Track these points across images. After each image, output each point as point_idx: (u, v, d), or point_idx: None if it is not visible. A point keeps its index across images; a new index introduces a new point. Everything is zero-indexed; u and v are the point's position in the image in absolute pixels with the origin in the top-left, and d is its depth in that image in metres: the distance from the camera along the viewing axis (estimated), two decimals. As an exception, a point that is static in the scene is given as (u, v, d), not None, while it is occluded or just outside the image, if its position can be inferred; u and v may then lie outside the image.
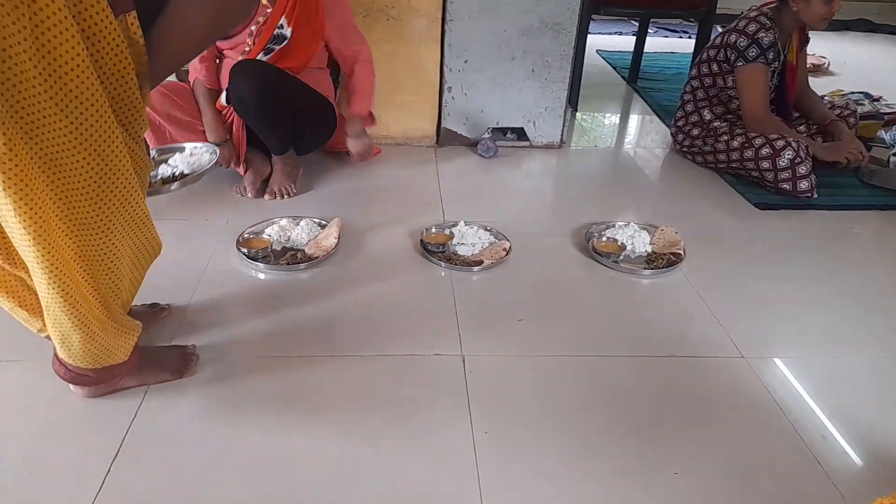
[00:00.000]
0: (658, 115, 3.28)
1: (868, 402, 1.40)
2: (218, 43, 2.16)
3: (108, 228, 1.10)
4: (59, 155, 0.97)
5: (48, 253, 1.02)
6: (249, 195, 2.18)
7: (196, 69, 2.18)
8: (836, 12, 2.30)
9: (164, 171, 1.40)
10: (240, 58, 2.11)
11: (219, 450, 1.20)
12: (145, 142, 1.37)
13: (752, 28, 2.35)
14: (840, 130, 2.49)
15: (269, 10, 2.08)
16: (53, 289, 1.07)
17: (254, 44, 2.10)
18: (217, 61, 2.23)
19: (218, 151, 1.50)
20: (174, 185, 1.38)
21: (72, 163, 0.99)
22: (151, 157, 1.41)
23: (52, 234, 1.02)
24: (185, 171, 1.40)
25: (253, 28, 2.09)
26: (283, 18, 2.08)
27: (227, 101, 2.15)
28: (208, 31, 1.10)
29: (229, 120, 2.21)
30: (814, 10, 2.27)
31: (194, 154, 1.47)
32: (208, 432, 1.24)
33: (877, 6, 6.16)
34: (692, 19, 5.52)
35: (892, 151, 2.60)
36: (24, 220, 0.97)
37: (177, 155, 1.46)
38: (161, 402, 1.30)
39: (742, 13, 2.44)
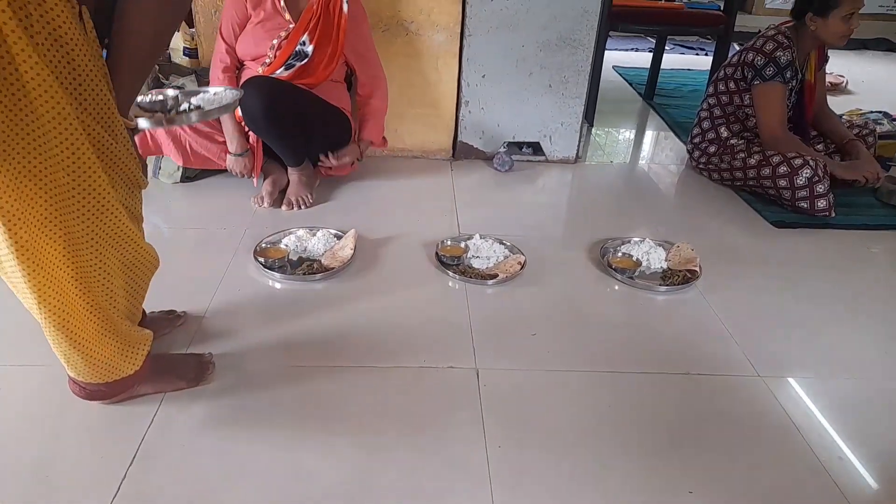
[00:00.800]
0: (674, 132, 3.28)
1: (884, 423, 1.39)
2: (239, 53, 2.19)
3: (97, 242, 1.09)
4: (36, 170, 0.96)
5: (36, 273, 1.02)
6: (267, 205, 2.20)
7: (218, 79, 2.21)
8: (855, 31, 2.30)
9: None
10: (260, 70, 2.14)
11: (233, 458, 1.21)
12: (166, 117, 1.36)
13: (769, 46, 2.35)
14: (858, 150, 2.48)
15: (291, 26, 2.11)
16: (44, 311, 1.06)
17: (274, 57, 2.13)
18: (237, 72, 2.26)
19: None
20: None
21: (45, 177, 0.97)
22: (174, 95, 1.41)
23: (40, 253, 1.01)
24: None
25: (275, 42, 2.12)
26: (304, 35, 2.10)
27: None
28: (159, 22, 1.07)
29: (248, 130, 2.24)
30: (831, 28, 2.27)
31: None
32: (223, 440, 1.25)
33: (896, 25, 6.14)
34: (709, 37, 5.54)
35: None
36: (8, 240, 0.97)
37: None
38: (177, 410, 1.31)
39: (760, 31, 2.44)
